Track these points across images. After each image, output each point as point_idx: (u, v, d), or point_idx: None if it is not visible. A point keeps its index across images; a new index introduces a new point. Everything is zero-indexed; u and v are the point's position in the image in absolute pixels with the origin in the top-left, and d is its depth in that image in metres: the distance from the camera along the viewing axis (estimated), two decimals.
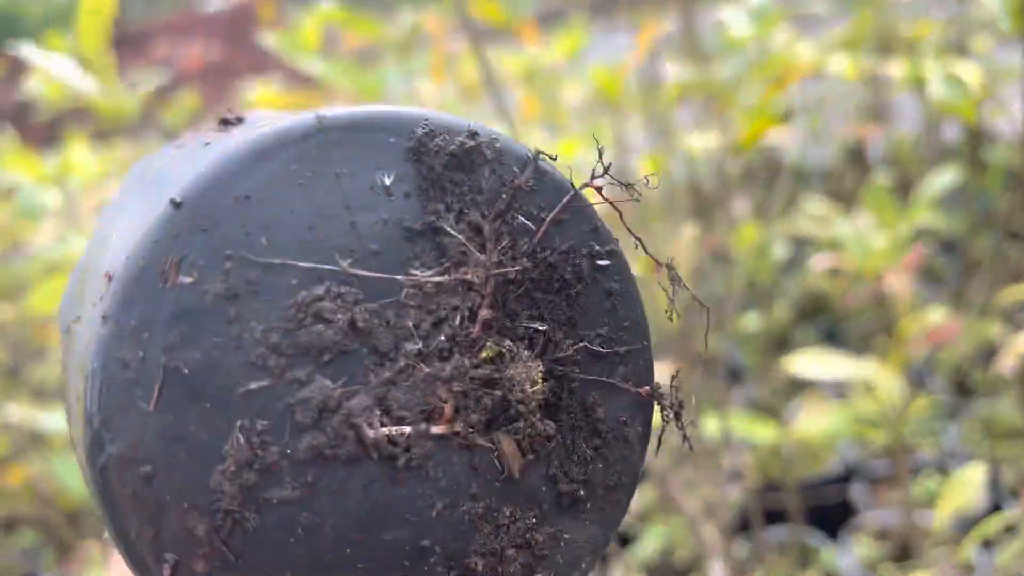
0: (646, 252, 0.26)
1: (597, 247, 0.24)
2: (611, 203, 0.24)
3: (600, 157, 0.23)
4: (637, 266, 0.25)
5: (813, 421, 0.91)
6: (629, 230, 0.25)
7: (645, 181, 0.23)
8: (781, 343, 1.24)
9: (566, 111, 1.37)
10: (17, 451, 1.06)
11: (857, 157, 1.47)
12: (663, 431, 0.26)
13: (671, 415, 0.25)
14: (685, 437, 0.25)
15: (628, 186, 0.23)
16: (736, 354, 1.34)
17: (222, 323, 0.20)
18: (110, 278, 0.20)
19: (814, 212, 1.02)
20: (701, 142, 1.14)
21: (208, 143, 0.23)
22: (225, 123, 0.26)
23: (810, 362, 0.84)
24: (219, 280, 0.20)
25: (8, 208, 1.07)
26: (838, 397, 1.16)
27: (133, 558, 0.20)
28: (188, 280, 0.19)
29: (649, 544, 1.10)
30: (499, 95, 0.72)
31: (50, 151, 1.12)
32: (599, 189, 0.23)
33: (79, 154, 1.02)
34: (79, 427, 0.21)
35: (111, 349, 0.19)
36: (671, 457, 0.98)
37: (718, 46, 1.15)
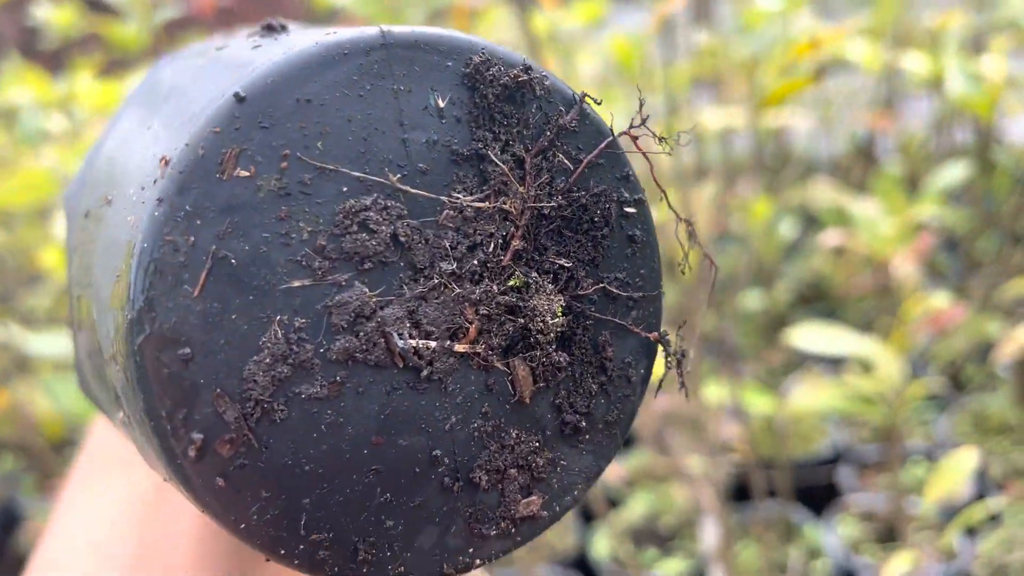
0: (670, 206, 0.27)
1: (626, 194, 0.25)
2: (644, 154, 0.25)
3: (640, 108, 0.24)
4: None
5: (809, 396, 0.92)
6: (657, 183, 0.26)
7: (677, 137, 0.24)
8: (778, 326, 1.26)
9: (582, 81, 1.36)
10: (3, 375, 1.06)
11: (866, 153, 1.48)
12: (664, 378, 0.27)
13: (674, 362, 0.26)
14: (683, 384, 0.26)
15: (663, 139, 0.24)
16: (731, 333, 1.36)
17: (273, 219, 0.20)
18: (167, 162, 0.20)
19: (823, 193, 1.03)
20: (715, 120, 1.14)
21: (259, 46, 0.24)
22: (270, 29, 0.26)
23: (813, 335, 0.85)
24: (274, 178, 0.20)
25: (8, 135, 1.06)
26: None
27: (160, 436, 0.21)
28: (245, 174, 0.20)
29: (636, 508, 1.13)
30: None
31: (56, 81, 1.10)
32: (635, 139, 0.24)
33: (85, 82, 1.01)
34: (116, 306, 0.22)
35: (164, 231, 0.20)
36: (668, 420, 1.00)
37: (734, 28, 1.16)
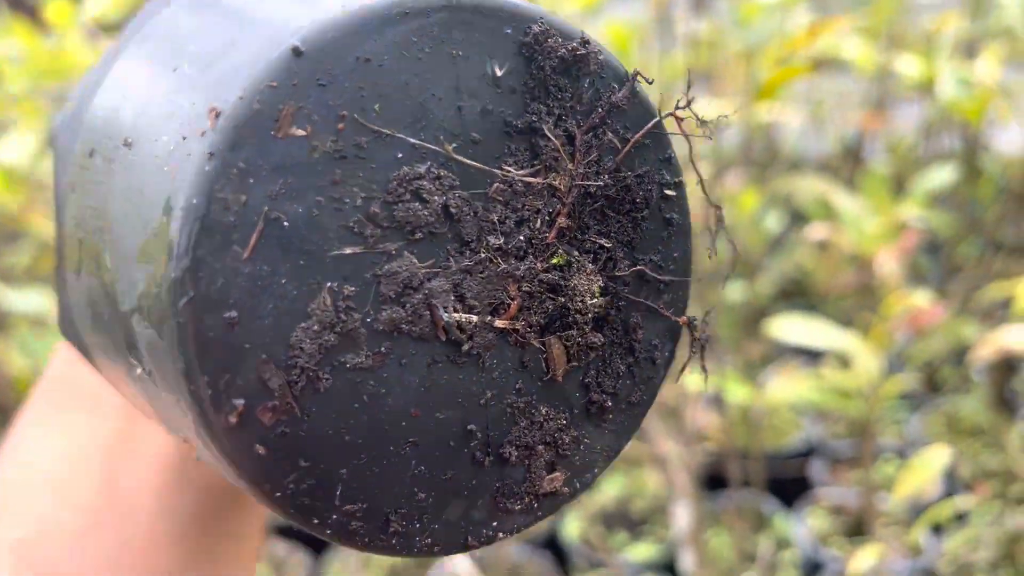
0: (704, 191, 0.27)
1: (667, 177, 0.25)
2: (686, 136, 0.25)
3: (688, 89, 0.24)
4: None
5: (786, 388, 0.94)
6: (694, 166, 0.26)
7: (718, 120, 0.24)
8: (758, 319, 1.27)
9: None
10: None
11: (854, 154, 1.49)
12: (688, 361, 0.27)
13: (699, 346, 0.26)
14: (704, 368, 0.26)
15: (705, 122, 0.24)
16: (715, 321, 1.37)
17: (327, 183, 0.20)
18: (218, 114, 0.19)
19: (810, 184, 1.04)
20: (707, 112, 1.14)
21: None
22: None
23: (793, 326, 0.86)
24: (330, 139, 0.20)
25: None
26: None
27: (199, 400, 0.20)
28: (300, 133, 0.19)
29: (608, 491, 1.14)
30: None
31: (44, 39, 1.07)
32: (679, 120, 0.24)
33: (75, 41, 0.98)
34: (148, 260, 0.21)
35: (214, 188, 0.19)
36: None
37: (730, 22, 1.16)
